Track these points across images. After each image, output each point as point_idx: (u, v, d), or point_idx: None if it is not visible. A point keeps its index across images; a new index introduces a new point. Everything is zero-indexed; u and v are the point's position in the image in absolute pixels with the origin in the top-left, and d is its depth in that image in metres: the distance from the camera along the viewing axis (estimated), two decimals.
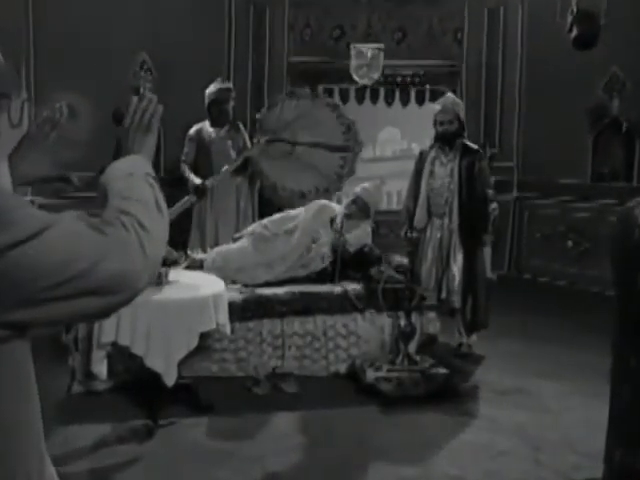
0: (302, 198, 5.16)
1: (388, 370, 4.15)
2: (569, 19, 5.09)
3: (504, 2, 7.22)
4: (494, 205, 4.96)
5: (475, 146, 5.08)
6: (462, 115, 5.01)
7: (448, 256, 4.93)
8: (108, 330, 3.51)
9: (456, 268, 4.90)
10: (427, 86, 7.23)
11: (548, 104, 6.97)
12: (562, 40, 6.74)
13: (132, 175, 1.21)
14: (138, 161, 1.26)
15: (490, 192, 4.95)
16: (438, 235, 4.97)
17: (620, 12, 6.51)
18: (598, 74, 6.72)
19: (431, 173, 4.99)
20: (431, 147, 5.08)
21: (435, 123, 4.99)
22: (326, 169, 5.30)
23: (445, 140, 4.94)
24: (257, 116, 5.90)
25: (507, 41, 7.25)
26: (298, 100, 5.65)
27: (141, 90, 6.40)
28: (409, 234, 4.90)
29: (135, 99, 1.37)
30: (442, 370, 4.20)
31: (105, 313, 1.11)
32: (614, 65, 6.64)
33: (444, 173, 4.95)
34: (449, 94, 5.25)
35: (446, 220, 4.95)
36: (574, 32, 5.09)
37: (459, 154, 4.95)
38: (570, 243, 7.15)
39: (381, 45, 5.86)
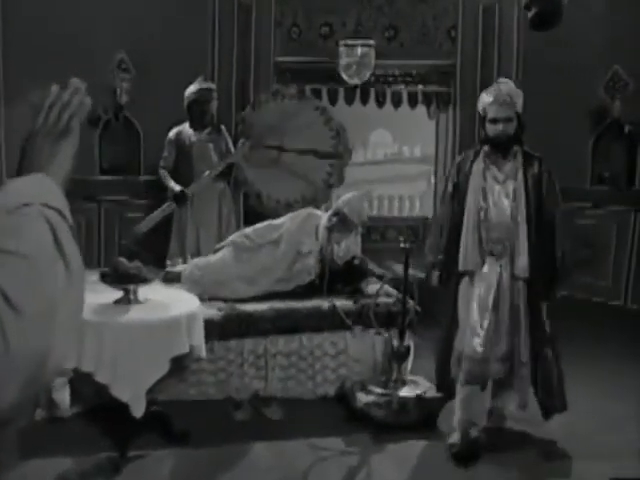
0: (288, 208, 4.82)
1: (380, 394, 3.82)
2: None
3: None
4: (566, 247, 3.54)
5: (536, 153, 3.65)
6: (520, 110, 3.60)
7: (517, 312, 3.51)
8: (70, 355, 3.15)
9: (527, 329, 3.52)
10: (420, 86, 6.91)
11: (546, 105, 6.65)
12: (560, 38, 6.48)
13: (22, 208, 0.80)
14: (37, 183, 0.85)
15: (557, 216, 3.53)
16: (495, 281, 3.49)
17: (622, 10, 6.26)
18: (599, 74, 6.42)
19: (483, 193, 3.57)
20: (475, 155, 3.66)
21: (484, 121, 3.61)
22: (314, 177, 4.97)
23: (499, 146, 3.56)
24: (240, 115, 5.57)
25: (503, 39, 6.93)
26: (283, 100, 5.33)
27: (117, 91, 6.05)
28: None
29: (54, 89, 1.00)
30: (438, 394, 3.86)
31: None
32: (616, 64, 6.35)
33: (503, 193, 3.54)
34: (505, 79, 3.81)
35: (505, 260, 3.51)
36: (532, 10, 4.62)
37: (521, 166, 3.55)
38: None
39: (372, 41, 5.51)
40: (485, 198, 3.54)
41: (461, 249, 3.59)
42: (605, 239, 6.59)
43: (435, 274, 3.73)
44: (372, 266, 4.58)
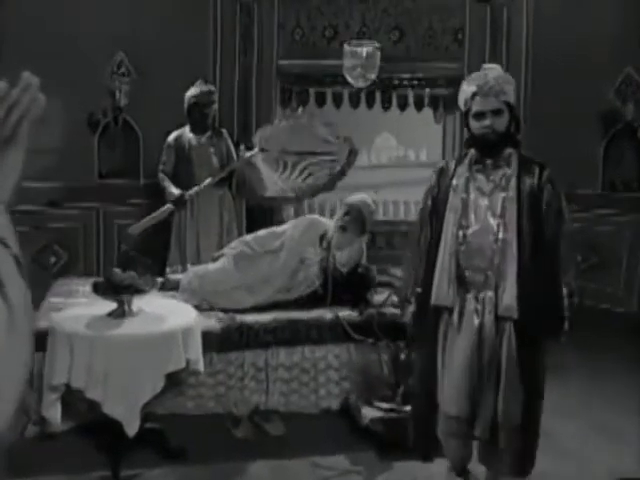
0: (286, 200, 4.64)
1: (385, 410, 3.65)
2: None
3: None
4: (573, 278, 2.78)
5: (536, 159, 2.93)
6: (513, 102, 2.85)
7: (497, 358, 2.76)
8: (60, 370, 3.00)
9: (514, 379, 2.75)
10: (426, 89, 6.76)
11: (555, 108, 6.51)
12: (570, 40, 6.33)
13: None
14: None
15: (569, 244, 2.80)
16: (476, 321, 2.77)
17: (634, 11, 6.11)
18: (610, 76, 6.26)
19: (464, 208, 2.83)
20: (458, 161, 2.95)
21: (467, 116, 2.88)
22: (315, 169, 4.80)
23: (487, 148, 2.85)
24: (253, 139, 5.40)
25: (511, 41, 6.79)
26: (289, 120, 5.19)
27: (116, 93, 5.90)
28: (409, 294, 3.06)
29: (1, 85, 0.83)
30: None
31: None
32: (628, 66, 6.19)
33: (487, 209, 2.81)
34: (491, 65, 3.02)
35: (489, 293, 2.77)
36: None
37: (515, 174, 2.80)
38: (579, 257, 6.68)
39: (377, 43, 5.36)
40: (466, 214, 2.82)
41: (435, 279, 2.86)
42: (616, 245, 6.43)
43: (409, 310, 3.04)
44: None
